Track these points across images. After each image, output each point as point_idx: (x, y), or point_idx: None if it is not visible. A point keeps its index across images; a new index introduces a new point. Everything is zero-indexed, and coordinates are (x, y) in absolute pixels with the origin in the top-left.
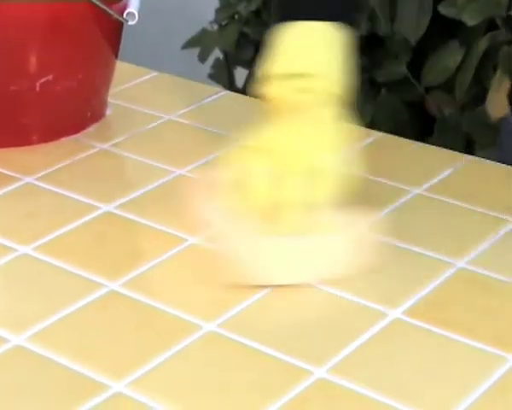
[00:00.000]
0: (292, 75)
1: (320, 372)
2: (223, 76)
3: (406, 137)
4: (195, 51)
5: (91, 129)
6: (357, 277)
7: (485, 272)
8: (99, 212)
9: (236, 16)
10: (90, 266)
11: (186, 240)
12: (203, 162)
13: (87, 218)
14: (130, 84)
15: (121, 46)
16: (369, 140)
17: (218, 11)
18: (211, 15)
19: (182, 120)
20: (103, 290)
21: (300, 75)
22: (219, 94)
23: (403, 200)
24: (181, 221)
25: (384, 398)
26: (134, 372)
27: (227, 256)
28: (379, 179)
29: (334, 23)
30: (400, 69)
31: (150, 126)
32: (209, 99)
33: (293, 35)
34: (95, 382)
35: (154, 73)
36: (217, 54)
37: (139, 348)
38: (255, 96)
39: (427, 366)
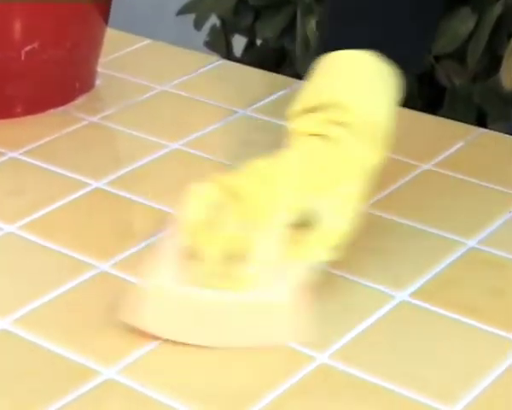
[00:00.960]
0: (321, 106)
1: (322, 358)
2: (219, 44)
3: (414, 109)
4: (191, 18)
5: (80, 100)
6: (362, 257)
7: (498, 252)
8: (88, 189)
9: None
10: (79, 246)
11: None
12: (199, 135)
13: (76, 195)
14: (121, 52)
15: (112, 12)
16: None
17: None
18: None
19: (176, 91)
20: (93, 272)
21: (331, 106)
22: (216, 63)
23: (410, 176)
24: (176, 198)
25: (390, 385)
26: (126, 357)
27: (137, 293)
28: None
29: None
30: None
31: (143, 98)
32: (205, 68)
33: (333, 64)
34: (84, 368)
35: (147, 41)
36: (213, 20)
37: (131, 332)
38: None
39: (435, 351)
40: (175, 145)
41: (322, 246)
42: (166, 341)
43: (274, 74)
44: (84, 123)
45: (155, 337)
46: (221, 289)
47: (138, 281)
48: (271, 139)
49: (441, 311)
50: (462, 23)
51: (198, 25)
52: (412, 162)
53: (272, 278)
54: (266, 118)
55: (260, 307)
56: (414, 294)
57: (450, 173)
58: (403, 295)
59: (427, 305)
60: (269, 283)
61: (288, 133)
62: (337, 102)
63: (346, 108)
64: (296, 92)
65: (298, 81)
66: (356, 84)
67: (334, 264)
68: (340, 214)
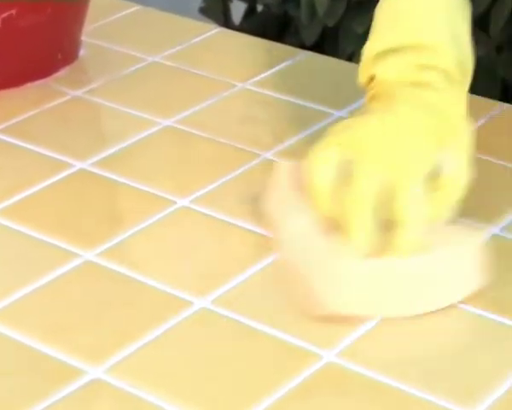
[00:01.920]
0: (405, 48)
1: (329, 356)
2: (216, 10)
3: None
4: None
5: (62, 73)
6: None
7: None
8: (72, 170)
9: None
10: (62, 233)
11: (174, 202)
12: (193, 111)
13: (57, 177)
14: (107, 19)
15: None
16: None
17: None
18: None
19: (168, 63)
20: (77, 261)
21: (417, 47)
22: (212, 31)
23: None
24: (168, 181)
25: (403, 385)
26: (114, 356)
27: (308, 282)
28: None
29: None
30: None
31: (131, 70)
32: (200, 38)
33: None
34: (69, 367)
35: (137, 7)
36: None
37: (119, 328)
38: (254, 34)
39: (454, 348)
40: (167, 122)
41: (451, 199)
42: (155, 338)
43: (276, 44)
44: (67, 98)
45: (147, 333)
46: (394, 258)
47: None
48: (273, 115)
49: (460, 304)
50: None
51: None
52: None
53: (433, 241)
54: (268, 92)
55: (452, 261)
56: None
57: (474, 153)
58: None
59: None
60: (431, 245)
61: (371, 77)
62: (424, 43)
63: (435, 50)
64: (300, 64)
65: (303, 51)
66: (438, 20)
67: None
68: (463, 166)
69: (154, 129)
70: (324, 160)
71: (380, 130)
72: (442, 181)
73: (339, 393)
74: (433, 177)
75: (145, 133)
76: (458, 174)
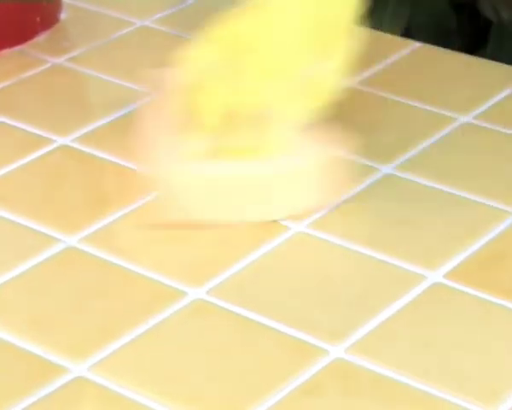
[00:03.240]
0: None
1: (337, 352)
2: None
3: (452, 49)
4: None
5: (41, 38)
6: (387, 230)
7: None
8: (52, 146)
9: None
10: (41, 217)
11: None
12: None
13: (36, 154)
14: None
15: None
16: (404, 52)
17: None
18: None
19: (158, 27)
20: (58, 247)
21: None
22: None
23: (446, 130)
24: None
25: (417, 383)
26: (98, 352)
27: (158, 186)
28: (415, 104)
29: None
30: None
31: (118, 34)
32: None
33: None
34: (49, 364)
35: None
36: None
37: (105, 321)
38: None
39: (474, 343)
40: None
41: (316, 102)
42: (145, 332)
43: None
44: (47, 66)
45: (136, 327)
46: (246, 158)
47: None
48: None
49: (481, 294)
50: None
51: None
52: (448, 114)
53: (298, 142)
54: None
55: (290, 175)
56: (449, 274)
57: (495, 127)
58: (436, 275)
59: (464, 287)
60: (294, 147)
61: None
62: None
63: None
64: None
65: None
66: None
67: (353, 237)
68: (335, 70)
69: (144, 101)
70: (195, 57)
71: (253, 26)
72: (311, 83)
73: (348, 393)
74: (303, 79)
75: (133, 106)
76: (328, 78)
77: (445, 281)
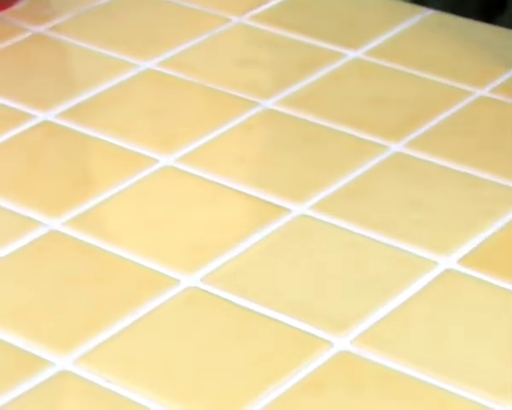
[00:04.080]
0: None
1: (342, 343)
2: None
3: (467, 16)
4: None
5: (21, 5)
6: (396, 212)
7: None
8: (33, 122)
9: None
10: (22, 198)
11: (156, 161)
12: (179, 52)
13: (16, 131)
14: None
15: None
16: (415, 19)
17: None
18: None
19: None
20: (41, 231)
21: None
22: None
23: (461, 105)
24: (149, 135)
25: (428, 377)
26: (84, 344)
27: None
28: (426, 76)
29: None
30: None
31: (103, 2)
32: None
33: None
34: (31, 357)
35: None
36: None
37: (91, 311)
38: None
39: (490, 335)
40: (147, 64)
41: None
42: (134, 323)
43: None
44: (27, 35)
45: (124, 317)
46: None
47: None
48: (278, 57)
49: (498, 282)
50: None
51: None
52: (463, 87)
53: None
54: (269, 28)
55: None
56: (463, 260)
57: None
58: (449, 261)
59: (480, 274)
60: None
61: None
62: None
63: None
64: None
65: None
66: None
67: (359, 221)
68: None
69: (132, 73)
70: None
71: None
72: None
73: (354, 389)
74: None
75: (121, 78)
76: None
77: (459, 267)
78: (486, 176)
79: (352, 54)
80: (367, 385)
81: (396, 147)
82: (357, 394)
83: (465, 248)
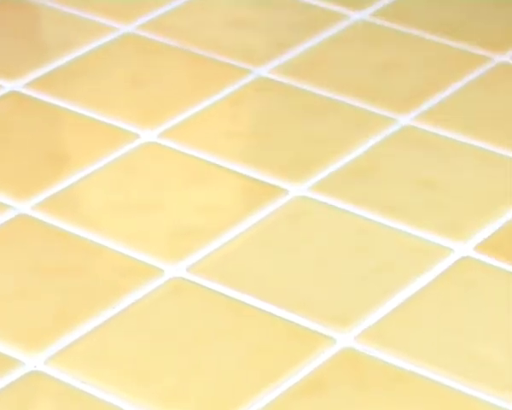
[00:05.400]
0: None
1: (346, 340)
2: None
3: None
4: None
5: None
6: (406, 193)
7: None
8: (0, 92)
9: None
10: None
11: (137, 136)
12: (162, 13)
13: None
14: None
15: None
16: None
17: None
18: None
19: None
20: (8, 214)
21: None
22: None
23: (478, 72)
24: (129, 107)
25: (439, 376)
26: (56, 342)
27: None
28: (440, 40)
29: None
30: None
31: None
32: None
33: None
34: (2, 356)
35: None
36: None
37: (64, 305)
38: None
39: (509, 330)
40: (126, 28)
41: None
42: (114, 318)
43: None
44: None
45: (98, 312)
46: None
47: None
48: (272, 18)
49: None
50: None
51: None
52: (480, 53)
53: None
54: None
55: None
56: (480, 246)
57: None
58: (465, 248)
59: (498, 262)
60: None
61: None
62: None
63: None
64: None
65: None
66: None
67: (365, 203)
68: None
69: (110, 37)
70: None
71: None
72: None
73: (358, 389)
74: None
75: (98, 43)
76: None
77: (476, 254)
78: (506, 152)
79: (356, 15)
80: (372, 385)
81: (405, 119)
82: (362, 394)
83: (483, 234)
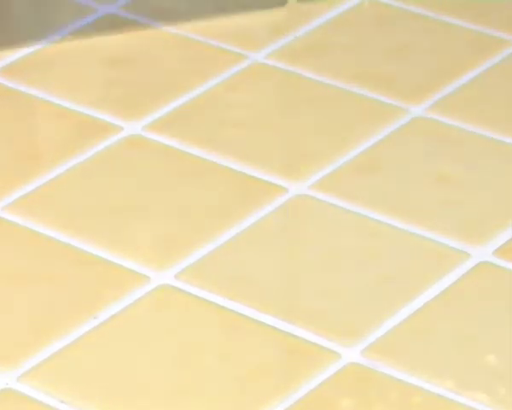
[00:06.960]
0: None
1: (351, 355)
2: None
3: None
4: None
5: None
6: (418, 191)
7: None
8: None
9: None
10: None
11: (120, 128)
12: None
13: None
14: None
15: None
16: None
17: None
18: None
19: None
20: None
21: None
22: None
23: (494, 60)
24: (108, 98)
25: (452, 393)
26: (32, 357)
27: None
28: (454, 22)
29: None
30: None
31: None
32: None
33: None
34: None
35: None
36: None
37: (41, 316)
38: None
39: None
40: (108, 8)
41: None
42: (96, 330)
43: None
44: None
45: (78, 324)
46: None
47: None
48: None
49: None
50: None
51: None
52: (498, 36)
53: None
54: None
55: None
56: (499, 251)
57: None
58: (483, 252)
59: None
60: None
61: None
62: None
63: None
64: None
65: None
66: None
67: (373, 203)
68: None
69: (91, 18)
70: None
71: None
72: None
73: (364, 404)
74: None
75: (76, 24)
76: None
77: (495, 259)
78: None
79: None
80: (379, 402)
81: (417, 110)
82: (367, 407)
83: (503, 236)
